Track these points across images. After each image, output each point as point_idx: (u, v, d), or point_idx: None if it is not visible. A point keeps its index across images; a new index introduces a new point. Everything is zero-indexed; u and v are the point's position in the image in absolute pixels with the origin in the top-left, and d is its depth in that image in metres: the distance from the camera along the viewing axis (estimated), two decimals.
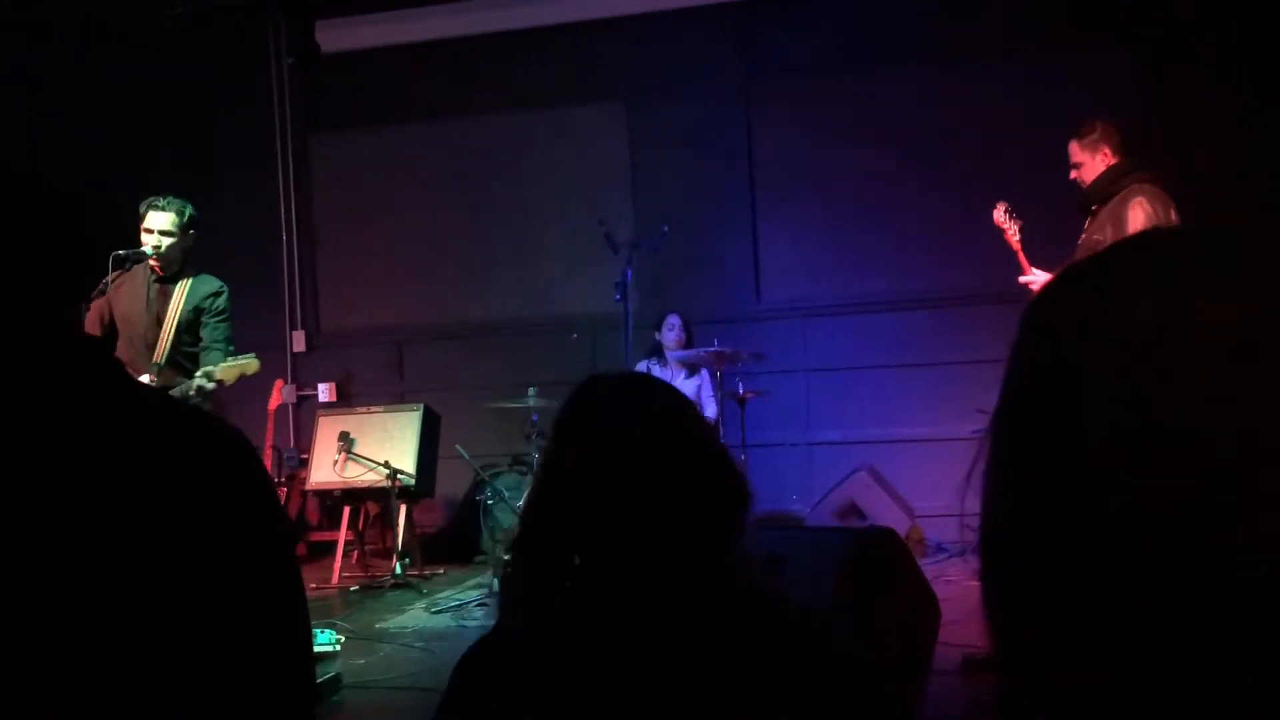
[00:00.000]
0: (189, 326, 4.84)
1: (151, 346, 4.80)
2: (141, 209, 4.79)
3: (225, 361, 4.75)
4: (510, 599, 1.24)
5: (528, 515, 1.26)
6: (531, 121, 7.81)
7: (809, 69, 7.41)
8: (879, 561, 3.02)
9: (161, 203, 4.78)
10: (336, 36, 7.95)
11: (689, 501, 1.16)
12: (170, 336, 4.79)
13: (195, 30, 7.93)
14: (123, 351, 4.79)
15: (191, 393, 4.64)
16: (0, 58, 8.15)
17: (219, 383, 4.66)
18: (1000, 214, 4.98)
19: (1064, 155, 5.18)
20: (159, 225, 4.76)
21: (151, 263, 4.79)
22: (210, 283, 4.93)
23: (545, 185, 7.76)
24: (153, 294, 4.80)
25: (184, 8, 7.75)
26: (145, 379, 4.73)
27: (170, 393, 4.66)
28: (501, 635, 1.22)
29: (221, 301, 4.92)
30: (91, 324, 4.77)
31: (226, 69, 8.19)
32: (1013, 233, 4.94)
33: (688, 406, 1.30)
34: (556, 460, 1.25)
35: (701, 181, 7.48)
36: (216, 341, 4.89)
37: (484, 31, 7.68)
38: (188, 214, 4.84)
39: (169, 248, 4.77)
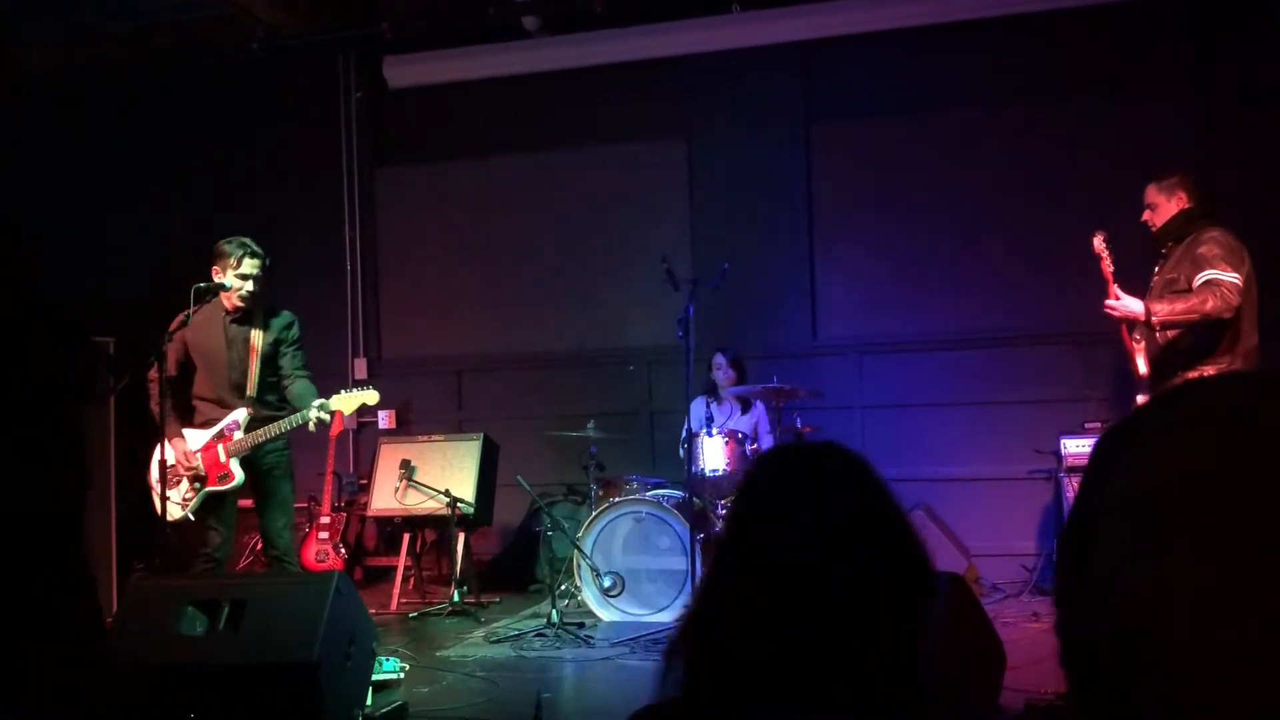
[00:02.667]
0: (270, 359, 5.03)
1: (238, 383, 4.99)
2: (235, 251, 4.92)
3: (340, 393, 4.95)
4: (688, 667, 1.19)
5: (710, 584, 1.24)
6: (593, 157, 7.93)
7: (869, 108, 7.47)
8: (964, 607, 3.04)
9: (253, 247, 4.97)
10: (403, 73, 8.13)
11: (875, 576, 1.16)
12: (257, 371, 4.96)
13: (266, 66, 8.16)
14: (205, 388, 4.98)
15: (311, 426, 4.82)
16: (74, 94, 8.46)
17: (334, 414, 4.83)
18: (1099, 242, 4.99)
19: (1125, 196, 5.22)
20: (255, 271, 4.94)
21: (228, 302, 4.95)
22: (283, 315, 5.13)
23: (605, 220, 7.88)
24: (231, 332, 4.98)
25: (257, 44, 7.97)
26: (242, 413, 4.89)
27: (278, 424, 4.85)
28: (671, 707, 1.20)
29: (296, 331, 5.13)
30: (172, 363, 4.95)
31: (296, 103, 8.43)
32: (1108, 263, 4.95)
33: (874, 479, 1.26)
34: (744, 530, 1.24)
35: (760, 218, 7.55)
36: (299, 369, 5.10)
37: (547, 69, 7.82)
38: (267, 259, 5.05)
39: (259, 290, 4.97)
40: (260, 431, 4.92)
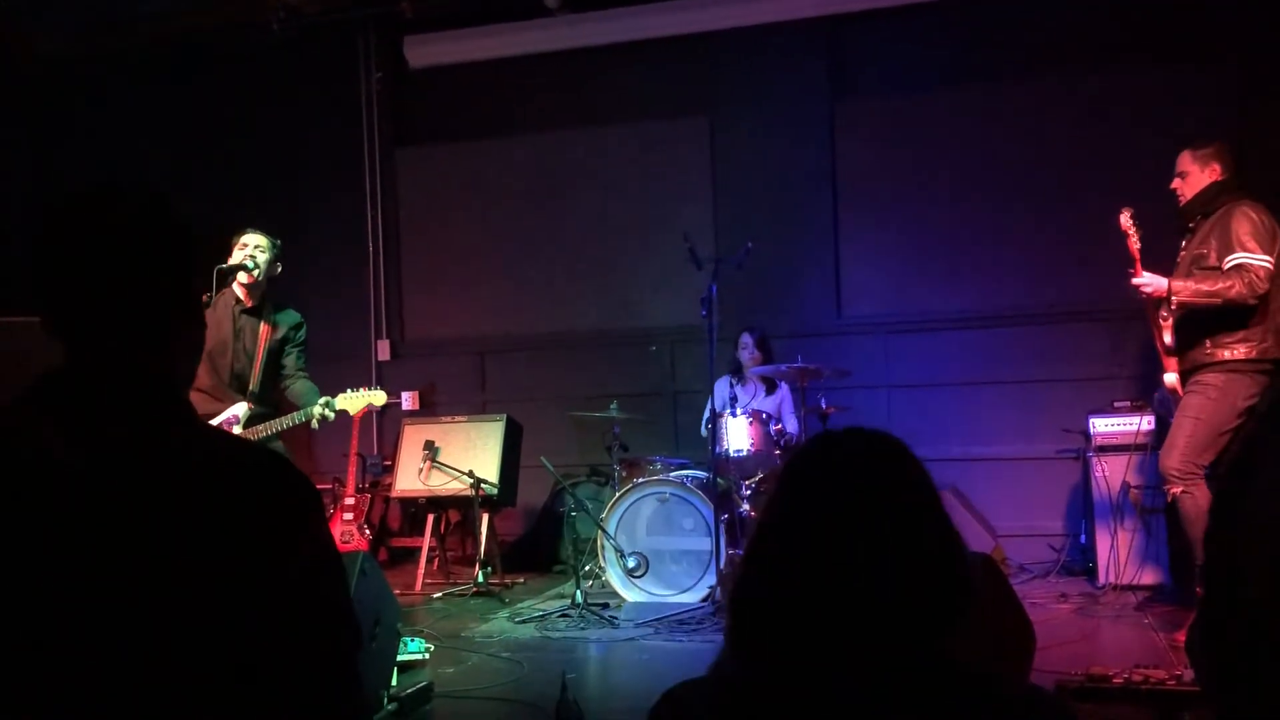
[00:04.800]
0: (275, 356, 5.03)
1: (239, 376, 4.97)
2: (239, 234, 4.99)
3: (346, 393, 4.97)
4: (736, 644, 1.22)
5: (754, 562, 1.23)
6: (615, 135, 7.87)
7: (894, 84, 7.37)
8: (994, 588, 3.01)
9: (256, 231, 4.99)
10: (424, 52, 8.08)
11: (914, 577, 1.15)
12: (261, 367, 4.95)
13: (288, 46, 8.13)
14: (202, 379, 4.91)
15: (314, 424, 4.82)
16: (93, 78, 8.47)
17: (340, 413, 4.83)
18: (1126, 219, 4.92)
19: (1158, 171, 5.12)
20: (254, 241, 4.94)
21: (240, 291, 4.94)
22: (293, 314, 5.15)
23: (628, 199, 7.82)
24: (240, 324, 4.96)
25: (278, 25, 7.94)
26: (243, 408, 4.87)
27: (281, 420, 4.83)
28: (706, 683, 1.21)
29: (304, 333, 5.16)
30: None
31: (317, 84, 8.40)
32: (1135, 240, 4.87)
33: (929, 480, 1.25)
34: (790, 512, 1.23)
35: (784, 196, 7.48)
36: (301, 370, 5.11)
37: (569, 47, 7.76)
38: (278, 245, 5.04)
39: (262, 263, 4.94)
40: (263, 427, 4.89)
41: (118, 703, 1.09)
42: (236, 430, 4.86)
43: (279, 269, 5.07)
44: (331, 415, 4.88)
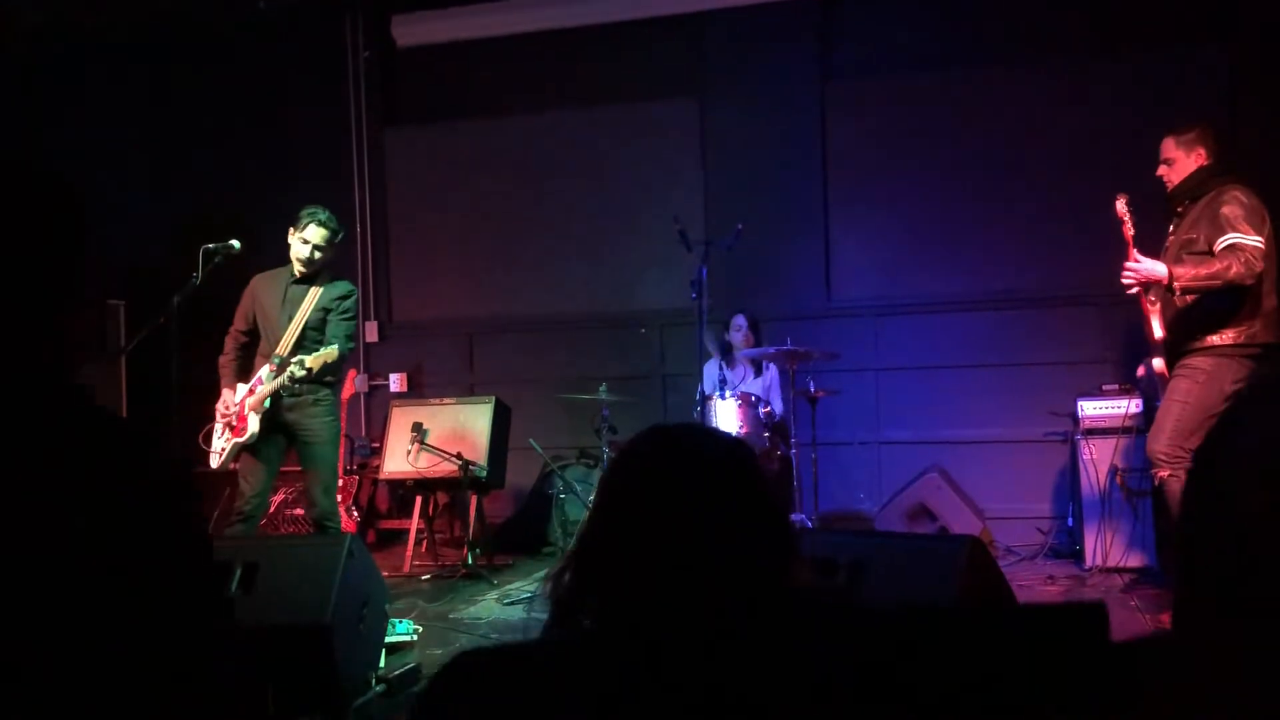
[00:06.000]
0: (318, 325, 5.15)
1: (280, 342, 5.09)
2: (304, 217, 5.09)
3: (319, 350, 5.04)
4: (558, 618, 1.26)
5: (585, 548, 1.28)
6: (605, 117, 7.83)
7: (885, 66, 7.35)
8: (982, 570, 3.01)
9: (324, 217, 5.10)
10: (412, 31, 8.03)
11: (737, 549, 1.21)
12: (296, 334, 5.09)
13: (274, 24, 8.06)
14: (263, 345, 5.18)
15: (287, 381, 4.89)
16: (77, 56, 8.38)
17: (309, 370, 4.85)
18: (1121, 205, 4.90)
19: (1148, 157, 5.10)
20: (315, 240, 5.09)
21: (296, 264, 5.12)
22: (341, 286, 5.27)
23: (618, 181, 7.79)
24: (289, 295, 5.14)
25: (264, 2, 7.87)
26: (264, 371, 5.06)
27: (272, 383, 4.94)
28: (498, 649, 1.23)
29: (348, 303, 5.25)
30: (242, 318, 5.23)
31: (304, 63, 8.33)
32: (1129, 226, 4.85)
33: (739, 455, 1.31)
34: (613, 504, 1.28)
35: (774, 179, 7.46)
36: (335, 336, 5.19)
37: (559, 26, 7.72)
38: (340, 234, 5.23)
39: (319, 260, 5.13)
40: (265, 389, 5.01)
41: None
42: (259, 390, 5.04)
43: (334, 249, 5.25)
44: (300, 372, 4.91)
